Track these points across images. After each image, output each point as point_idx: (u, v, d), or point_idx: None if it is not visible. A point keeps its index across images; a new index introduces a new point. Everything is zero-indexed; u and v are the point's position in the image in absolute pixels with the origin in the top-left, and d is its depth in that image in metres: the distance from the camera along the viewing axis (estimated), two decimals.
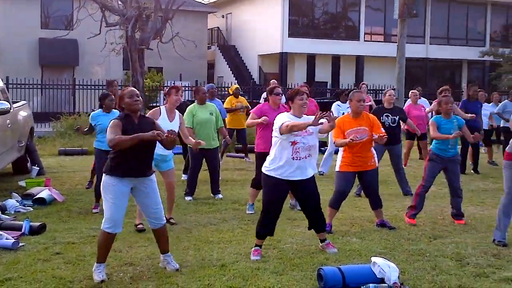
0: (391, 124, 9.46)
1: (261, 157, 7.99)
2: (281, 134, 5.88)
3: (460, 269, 5.71)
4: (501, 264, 5.88)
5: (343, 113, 11.77)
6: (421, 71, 38.30)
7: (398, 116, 9.64)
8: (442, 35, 38.22)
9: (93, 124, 8.37)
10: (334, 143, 7.24)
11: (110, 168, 5.41)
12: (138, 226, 7.18)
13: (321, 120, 5.71)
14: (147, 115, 6.27)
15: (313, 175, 6.21)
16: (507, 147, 6.76)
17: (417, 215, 7.73)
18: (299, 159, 5.96)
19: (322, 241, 6.34)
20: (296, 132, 5.87)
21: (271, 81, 15.90)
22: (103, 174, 5.47)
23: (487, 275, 5.51)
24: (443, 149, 7.69)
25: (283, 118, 5.95)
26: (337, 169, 7.33)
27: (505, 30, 41.15)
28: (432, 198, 8.79)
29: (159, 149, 6.66)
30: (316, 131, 6.09)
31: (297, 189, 6.16)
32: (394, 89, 12.49)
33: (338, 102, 12.02)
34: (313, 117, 5.71)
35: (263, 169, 6.15)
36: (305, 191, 6.16)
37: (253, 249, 6.13)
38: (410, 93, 13.41)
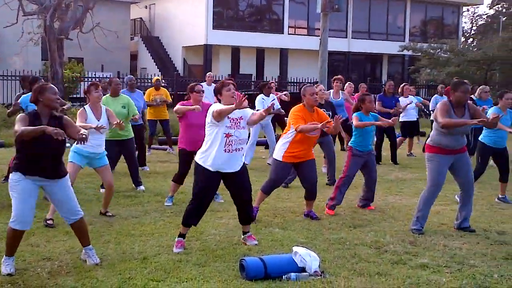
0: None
1: (183, 154, 7.95)
2: (217, 121, 5.87)
3: (378, 257, 5.84)
4: (418, 251, 6.06)
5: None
6: (343, 65, 39.03)
7: (331, 111, 9.80)
8: (363, 29, 39.05)
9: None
10: (297, 128, 7.06)
11: (15, 164, 5.26)
12: (47, 221, 6.89)
13: (244, 104, 5.72)
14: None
15: (246, 168, 6.23)
16: (427, 140, 6.96)
17: (336, 206, 7.87)
18: (231, 152, 5.95)
19: (245, 233, 6.34)
20: (230, 124, 5.89)
21: (207, 74, 15.85)
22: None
23: (404, 262, 5.67)
24: (363, 144, 7.95)
25: (215, 107, 5.96)
26: (278, 158, 7.30)
27: (423, 25, 42.49)
28: (352, 188, 8.93)
29: (89, 147, 6.46)
30: (246, 127, 6.14)
31: (228, 181, 6.15)
32: (317, 82, 12.64)
33: (262, 95, 12.06)
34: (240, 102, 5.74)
35: (196, 158, 6.11)
36: (237, 184, 6.14)
37: (176, 240, 6.06)
38: (346, 85, 13.66)
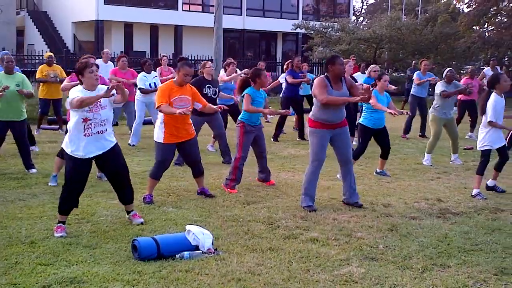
0: (212, 95, 9.54)
1: None
2: (72, 108, 5.67)
3: (271, 232, 5.95)
4: (308, 225, 6.22)
5: (150, 84, 11.75)
6: (239, 42, 39.17)
7: (217, 88, 9.78)
8: (258, 7, 39.30)
9: None
10: (158, 108, 7.03)
11: None
12: None
13: (113, 92, 5.59)
14: None
15: (118, 149, 6.08)
16: (310, 114, 7.09)
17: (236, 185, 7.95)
18: (91, 135, 5.76)
19: (129, 212, 6.25)
20: (88, 109, 5.67)
21: (104, 50, 15.32)
22: None
23: (295, 237, 5.81)
24: (254, 121, 8.01)
25: (74, 93, 5.70)
26: (159, 140, 7.20)
27: (316, 4, 43.34)
28: (246, 165, 9.03)
29: None
30: (109, 104, 5.91)
31: (101, 163, 6.02)
32: (211, 60, 12.61)
33: (144, 73, 11.90)
34: (105, 87, 5.60)
35: (63, 145, 5.90)
36: (109, 165, 6.00)
37: (56, 226, 5.87)
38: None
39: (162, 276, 4.73)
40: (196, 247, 5.25)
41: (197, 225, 5.63)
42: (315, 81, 7.01)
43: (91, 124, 5.72)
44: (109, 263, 4.99)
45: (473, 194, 7.80)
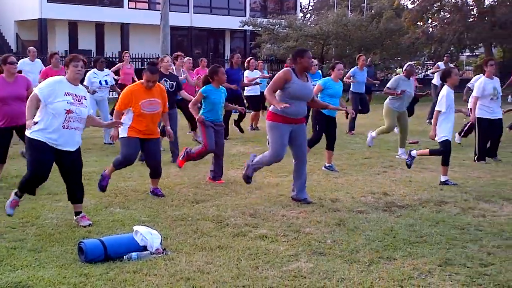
0: (169, 89, 9.47)
1: None
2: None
3: (220, 230, 5.94)
4: (257, 222, 6.24)
5: (100, 81, 11.61)
6: (187, 40, 38.96)
7: (175, 82, 9.73)
8: (205, 4, 39.18)
9: None
10: (117, 111, 7.08)
11: None
12: None
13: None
14: None
15: (80, 149, 6.06)
16: (270, 107, 7.11)
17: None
18: (69, 129, 5.79)
19: (77, 213, 6.16)
20: (73, 100, 5.75)
21: (30, 48, 14.93)
22: None
23: (244, 234, 5.81)
24: (213, 115, 8.11)
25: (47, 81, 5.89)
26: (124, 134, 7.16)
27: (263, 1, 43.46)
28: (195, 163, 9.01)
29: None
30: (89, 106, 6.05)
31: (62, 159, 5.94)
32: (159, 57, 12.50)
33: (95, 70, 11.74)
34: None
35: (27, 133, 5.80)
36: (68, 163, 5.96)
37: (12, 200, 6.02)
38: (185, 59, 13.59)
39: (110, 278, 4.67)
40: (144, 248, 5.20)
41: (145, 226, 5.58)
42: (279, 73, 7.06)
43: (71, 118, 5.75)
44: (55, 267, 4.90)
45: (442, 180, 8.12)
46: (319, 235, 5.80)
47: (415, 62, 35.93)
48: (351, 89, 14.42)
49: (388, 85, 10.50)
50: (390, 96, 10.55)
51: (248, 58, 14.70)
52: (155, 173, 7.42)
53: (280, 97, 6.90)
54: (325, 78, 9.42)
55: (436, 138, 8.24)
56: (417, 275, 4.75)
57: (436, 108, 8.12)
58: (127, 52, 16.42)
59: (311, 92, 7.16)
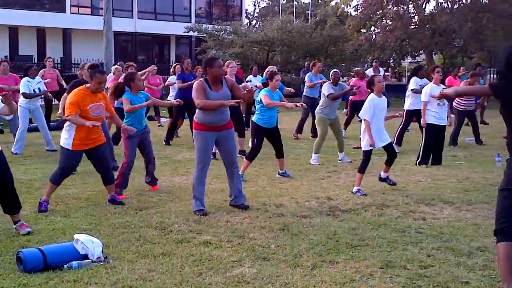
0: None
1: None
2: None
3: (163, 237, 5.89)
4: (201, 229, 6.21)
5: (34, 90, 11.37)
6: (131, 46, 38.57)
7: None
8: (149, 10, 38.87)
9: None
10: (67, 117, 6.82)
11: None
12: None
13: None
14: None
15: (2, 156, 5.87)
16: (194, 117, 7.07)
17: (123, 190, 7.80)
18: None
19: (15, 223, 6.00)
20: None
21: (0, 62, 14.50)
22: None
23: (188, 240, 5.78)
24: (136, 123, 7.86)
25: None
26: (67, 146, 6.96)
27: (209, 7, 43.40)
28: (140, 171, 8.90)
29: None
30: None
31: None
32: (103, 63, 12.37)
33: (28, 78, 11.49)
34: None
35: None
36: None
37: None
38: (113, 68, 13.50)
39: (49, 287, 4.57)
40: (85, 256, 5.11)
41: (86, 234, 5.48)
42: (194, 84, 7.03)
43: None
44: None
45: (353, 191, 8.10)
46: (263, 240, 5.82)
47: (359, 68, 36.58)
48: (304, 93, 14.52)
49: (327, 93, 10.62)
50: (321, 105, 10.71)
51: (197, 67, 14.67)
52: (108, 180, 7.30)
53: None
54: (265, 89, 9.28)
55: (362, 147, 8.29)
56: (358, 278, 4.81)
57: (363, 117, 8.15)
58: (50, 57, 16.11)
59: (228, 99, 6.99)
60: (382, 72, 19.03)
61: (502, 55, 4.36)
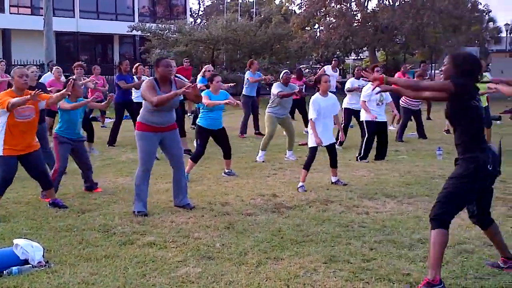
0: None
1: None
2: None
3: (106, 240, 5.80)
4: (146, 230, 6.15)
5: None
6: (73, 45, 37.89)
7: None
8: (91, 9, 38.25)
9: None
10: (8, 106, 6.54)
11: None
12: None
13: None
14: None
15: None
16: (138, 118, 6.99)
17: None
18: None
19: None
20: None
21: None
22: None
23: (132, 242, 5.71)
24: (70, 132, 7.78)
25: None
26: None
27: (152, 6, 43.00)
28: (77, 173, 8.73)
29: None
30: None
31: None
32: (43, 64, 12.10)
33: None
34: None
35: None
36: None
37: None
38: (54, 68, 13.26)
39: None
40: (26, 261, 4.99)
41: (26, 238, 5.35)
42: (143, 83, 6.97)
43: None
44: None
45: (297, 186, 8.18)
46: (208, 239, 5.80)
47: (304, 66, 36.90)
48: (243, 92, 14.52)
49: (276, 92, 10.67)
50: (271, 103, 10.75)
51: (136, 64, 14.44)
52: (46, 184, 7.15)
53: (147, 107, 6.85)
54: (206, 90, 9.26)
55: (308, 143, 8.37)
56: (303, 273, 4.85)
57: (309, 117, 8.26)
58: (2, 60, 15.72)
59: (176, 98, 6.95)
60: (337, 72, 19.10)
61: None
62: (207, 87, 9.26)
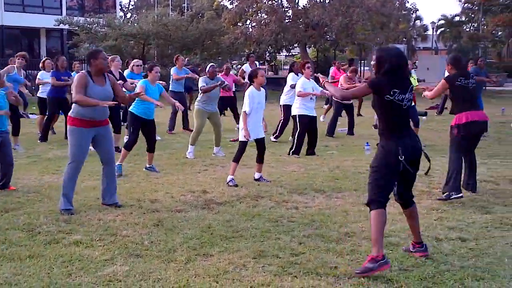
0: None
1: None
2: None
3: (31, 239, 5.63)
4: (72, 228, 6.00)
5: None
6: None
7: None
8: (17, 2, 37.11)
9: None
10: None
11: None
12: None
13: None
14: None
15: None
16: (70, 112, 6.83)
17: None
18: None
19: None
20: None
21: None
22: None
23: (57, 241, 5.56)
24: None
25: None
26: None
27: None
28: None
29: None
30: None
31: None
32: None
33: None
34: None
35: None
36: None
37: None
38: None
39: None
40: None
41: None
42: (76, 77, 6.81)
43: None
44: None
45: (227, 180, 8.20)
46: (136, 237, 5.72)
47: (235, 62, 36.90)
48: (170, 88, 14.36)
49: (200, 86, 10.64)
50: (199, 98, 10.69)
51: (44, 59, 14.04)
52: None
53: None
54: (143, 80, 9.25)
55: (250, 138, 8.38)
56: (232, 269, 4.85)
57: (243, 110, 8.25)
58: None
59: (110, 95, 6.82)
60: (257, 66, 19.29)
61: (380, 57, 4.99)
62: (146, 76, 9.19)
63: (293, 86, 12.05)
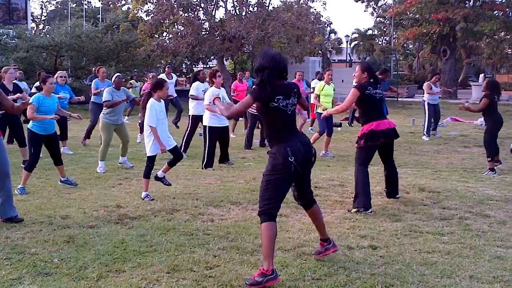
0: None
1: None
2: None
3: None
4: None
5: None
6: None
7: None
8: None
9: None
10: None
11: None
12: None
13: None
14: None
15: None
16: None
17: None
18: None
19: None
20: None
21: None
22: None
23: None
24: None
25: None
26: None
27: None
28: None
29: None
30: None
31: None
32: None
33: None
34: None
35: None
36: None
37: None
38: None
39: None
40: None
41: None
42: None
43: None
44: None
45: (142, 196, 8.07)
46: (45, 254, 5.52)
47: (154, 73, 36.46)
48: (91, 100, 13.99)
49: (104, 98, 10.42)
50: (104, 111, 10.49)
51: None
52: None
53: None
54: (37, 95, 8.76)
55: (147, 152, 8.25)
56: (145, 284, 4.76)
57: (149, 124, 8.01)
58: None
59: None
60: (175, 78, 19.19)
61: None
62: (40, 90, 8.80)
63: (193, 97, 11.92)
